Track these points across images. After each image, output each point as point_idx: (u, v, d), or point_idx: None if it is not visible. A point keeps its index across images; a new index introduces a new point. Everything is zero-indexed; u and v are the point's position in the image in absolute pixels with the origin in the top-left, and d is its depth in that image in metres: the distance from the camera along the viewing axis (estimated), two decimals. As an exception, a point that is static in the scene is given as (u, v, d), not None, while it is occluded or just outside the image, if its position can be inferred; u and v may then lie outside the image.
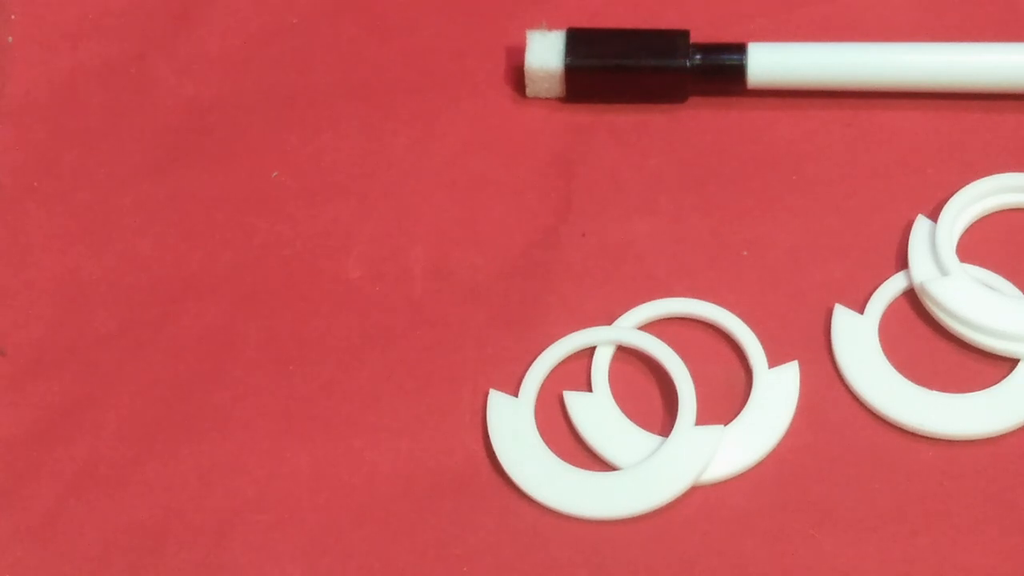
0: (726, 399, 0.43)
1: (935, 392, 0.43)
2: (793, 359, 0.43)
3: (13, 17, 0.52)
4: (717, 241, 0.46)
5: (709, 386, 0.43)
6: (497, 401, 0.43)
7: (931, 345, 0.44)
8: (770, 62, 0.47)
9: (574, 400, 0.43)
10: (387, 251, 0.47)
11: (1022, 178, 0.45)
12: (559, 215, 0.47)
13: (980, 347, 0.43)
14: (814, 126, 0.48)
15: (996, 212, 0.46)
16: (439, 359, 0.44)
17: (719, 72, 0.48)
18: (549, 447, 0.43)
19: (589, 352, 0.44)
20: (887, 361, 0.43)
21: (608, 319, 0.44)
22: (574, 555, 0.41)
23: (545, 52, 0.48)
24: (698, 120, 0.48)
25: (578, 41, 0.48)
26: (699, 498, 0.42)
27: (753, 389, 0.43)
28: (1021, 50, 0.47)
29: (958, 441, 0.42)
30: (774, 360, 0.43)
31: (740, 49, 0.48)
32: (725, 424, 0.42)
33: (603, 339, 0.44)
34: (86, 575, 0.42)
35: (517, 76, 0.49)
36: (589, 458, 0.43)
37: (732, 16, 0.50)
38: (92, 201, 0.48)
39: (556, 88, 0.49)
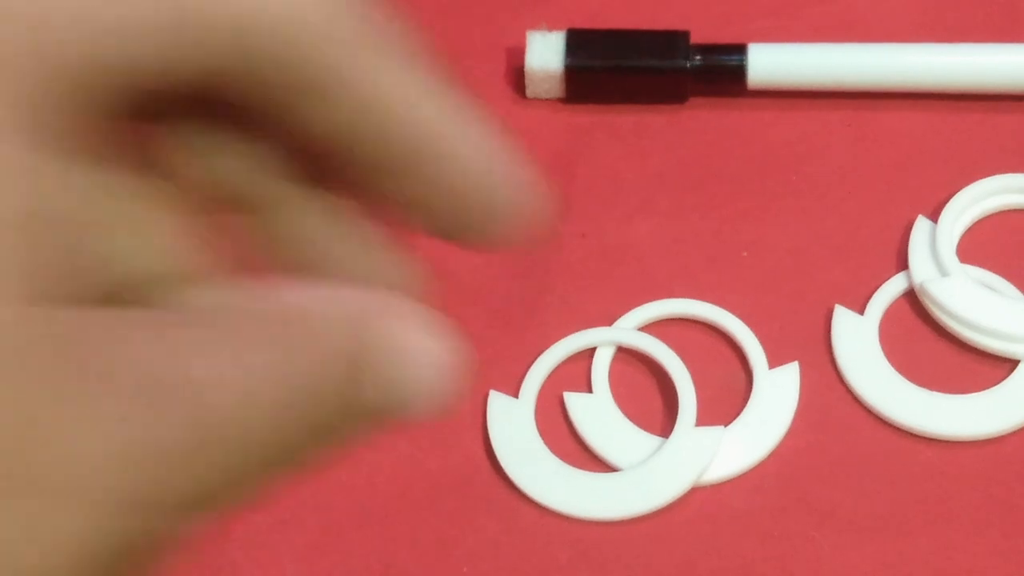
0: (726, 400, 0.43)
1: (935, 393, 0.42)
2: (793, 360, 0.43)
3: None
4: (717, 241, 0.46)
5: (709, 387, 0.43)
6: (497, 401, 0.43)
7: (931, 346, 0.44)
8: (770, 63, 0.47)
9: (574, 401, 0.43)
10: (387, 251, 0.47)
11: (1022, 179, 0.45)
12: (559, 215, 0.47)
13: (980, 348, 0.43)
14: (814, 126, 0.48)
15: (996, 213, 0.46)
16: (439, 359, 0.44)
17: (719, 73, 0.48)
18: (549, 447, 0.43)
19: (589, 353, 0.44)
20: (887, 362, 0.43)
21: (608, 320, 0.44)
22: (574, 555, 0.41)
23: (545, 52, 0.48)
24: (698, 120, 0.48)
25: (578, 42, 0.48)
26: (699, 499, 0.42)
27: (753, 390, 0.43)
28: (1021, 50, 0.47)
29: (958, 442, 0.42)
30: (775, 361, 0.43)
31: (740, 50, 0.48)
32: (725, 425, 0.42)
33: (603, 340, 0.44)
34: (86, 575, 0.42)
35: (517, 76, 0.49)
36: (589, 459, 0.43)
37: (732, 17, 0.50)
38: (92, 201, 0.48)
39: (556, 88, 0.49)
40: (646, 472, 0.42)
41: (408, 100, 0.22)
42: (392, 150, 0.22)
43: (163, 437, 0.21)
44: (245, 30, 0.20)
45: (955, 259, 0.44)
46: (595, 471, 0.42)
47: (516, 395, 0.43)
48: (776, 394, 0.42)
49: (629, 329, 0.44)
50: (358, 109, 0.22)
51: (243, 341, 0.21)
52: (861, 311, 0.44)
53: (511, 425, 0.43)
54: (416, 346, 0.23)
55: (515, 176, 0.24)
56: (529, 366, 0.44)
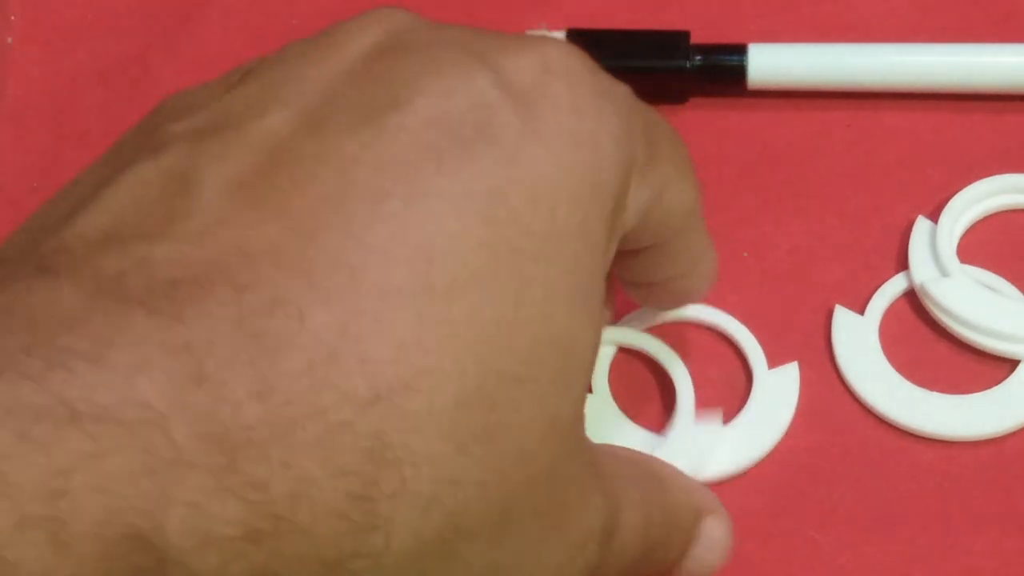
0: (726, 400, 0.43)
1: (935, 393, 0.42)
2: (793, 359, 0.43)
3: (13, 18, 0.52)
4: (717, 242, 0.45)
5: (709, 387, 0.43)
6: (497, 402, 0.43)
7: (932, 346, 0.44)
8: (770, 63, 0.47)
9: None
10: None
11: (1022, 179, 0.45)
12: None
13: (981, 348, 0.43)
14: (814, 127, 0.48)
15: (997, 213, 0.45)
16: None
17: (719, 73, 0.48)
18: (549, 448, 0.43)
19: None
20: (887, 362, 0.43)
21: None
22: (574, 556, 0.41)
23: (545, 52, 0.48)
24: (698, 121, 0.48)
25: (578, 41, 0.47)
26: (699, 499, 0.42)
27: (753, 390, 0.42)
28: (1021, 50, 0.47)
29: (958, 442, 0.42)
30: (775, 360, 0.43)
31: (740, 50, 0.48)
32: (724, 424, 0.42)
33: (604, 339, 0.44)
34: None
35: (517, 76, 0.49)
36: (589, 459, 0.43)
37: (732, 17, 0.50)
38: (92, 201, 0.48)
39: (556, 88, 0.48)
40: (646, 472, 0.42)
41: (699, 249, 0.37)
42: (673, 271, 0.37)
43: (609, 526, 0.31)
44: (662, 218, 0.33)
45: (955, 259, 0.44)
46: (595, 471, 0.42)
47: (516, 395, 0.43)
48: (776, 394, 0.42)
49: (629, 329, 0.44)
50: (674, 254, 0.36)
51: (645, 492, 0.34)
52: (861, 311, 0.44)
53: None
54: (722, 538, 0.36)
55: (714, 277, 0.39)
56: (529, 366, 0.44)
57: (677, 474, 0.37)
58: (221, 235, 0.26)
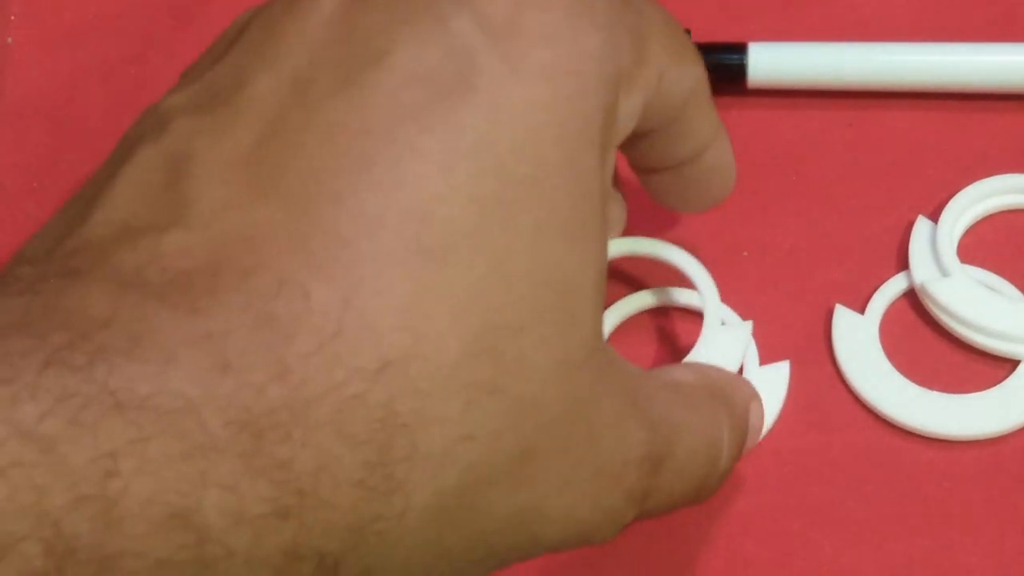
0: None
1: (936, 392, 0.42)
2: (793, 359, 0.43)
3: (13, 18, 0.52)
4: (717, 241, 0.46)
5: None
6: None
7: (932, 346, 0.44)
8: (771, 62, 0.47)
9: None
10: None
11: (1022, 179, 0.45)
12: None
13: (981, 348, 0.43)
14: (814, 126, 0.48)
15: (997, 213, 0.45)
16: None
17: (719, 71, 0.48)
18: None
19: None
20: (888, 361, 0.43)
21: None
22: (572, 554, 0.41)
23: (545, 52, 0.48)
24: (698, 120, 0.48)
25: (578, 40, 0.48)
26: (698, 499, 0.42)
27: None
28: (1021, 50, 0.47)
29: (958, 442, 0.42)
30: (773, 360, 0.43)
31: (740, 49, 0.47)
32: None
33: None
34: None
35: (517, 76, 0.49)
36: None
37: (732, 15, 0.50)
38: (92, 201, 0.48)
39: (556, 88, 0.48)
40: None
41: (708, 128, 0.36)
42: (684, 151, 0.36)
43: (656, 453, 0.32)
44: (662, 104, 0.34)
45: (955, 259, 0.44)
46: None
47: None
48: (765, 390, 0.42)
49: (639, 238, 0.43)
50: (682, 134, 0.36)
51: (700, 408, 0.35)
52: (861, 311, 0.44)
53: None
54: (760, 425, 0.38)
55: (732, 171, 0.39)
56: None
57: (730, 378, 0.38)
58: (223, 219, 0.27)
